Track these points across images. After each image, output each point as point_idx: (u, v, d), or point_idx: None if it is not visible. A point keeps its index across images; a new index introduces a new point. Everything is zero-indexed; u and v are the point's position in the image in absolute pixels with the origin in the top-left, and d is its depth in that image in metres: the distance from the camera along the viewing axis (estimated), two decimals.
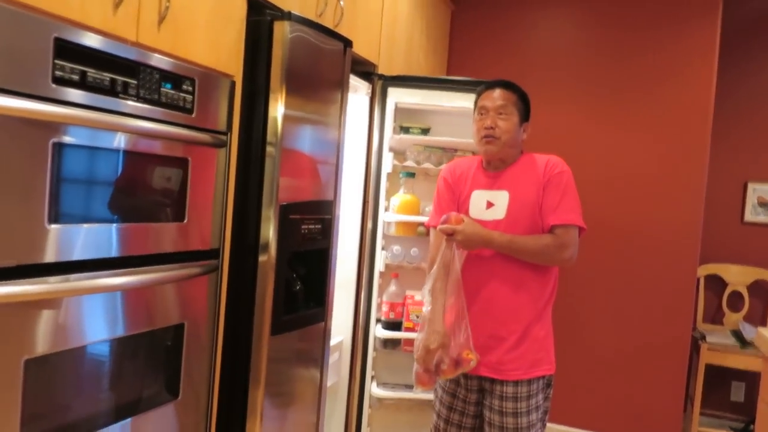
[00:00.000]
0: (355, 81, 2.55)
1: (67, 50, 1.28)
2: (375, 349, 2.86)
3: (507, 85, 2.01)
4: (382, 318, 2.90)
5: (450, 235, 1.88)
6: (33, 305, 1.27)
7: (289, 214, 1.96)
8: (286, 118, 1.91)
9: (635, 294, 3.30)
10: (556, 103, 3.43)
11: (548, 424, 2.08)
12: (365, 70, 2.75)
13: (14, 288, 1.22)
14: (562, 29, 3.52)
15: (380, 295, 2.90)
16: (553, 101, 3.42)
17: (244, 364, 1.89)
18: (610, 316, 3.33)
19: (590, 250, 3.27)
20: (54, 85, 1.27)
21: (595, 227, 3.27)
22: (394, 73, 2.86)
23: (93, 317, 1.43)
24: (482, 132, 1.97)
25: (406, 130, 2.95)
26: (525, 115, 2.02)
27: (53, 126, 1.27)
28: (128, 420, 1.54)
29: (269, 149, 1.90)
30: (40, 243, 1.28)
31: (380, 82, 2.81)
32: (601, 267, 3.34)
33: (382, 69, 2.83)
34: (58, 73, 1.27)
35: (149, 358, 1.63)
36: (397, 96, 2.84)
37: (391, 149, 2.87)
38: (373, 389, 2.86)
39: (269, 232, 1.91)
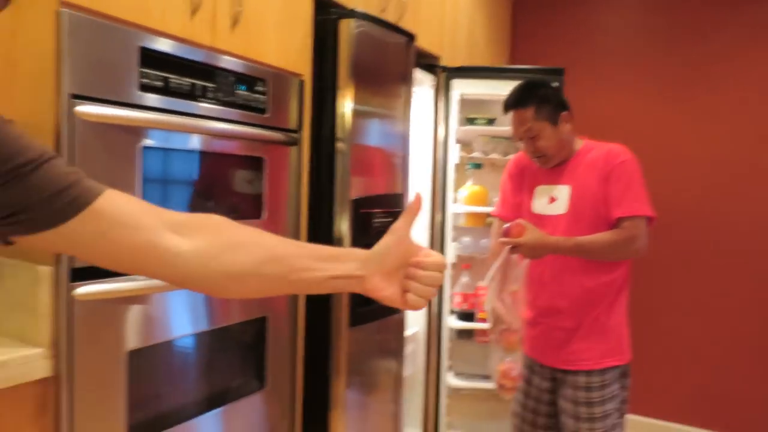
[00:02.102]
0: (419, 74, 2.57)
1: (151, 58, 1.36)
2: (449, 340, 2.87)
3: (518, 103, 1.92)
4: (456, 309, 2.90)
5: (514, 248, 1.83)
6: (131, 301, 1.35)
7: (360, 209, 2.00)
8: (355, 113, 1.94)
9: (724, 281, 3.15)
10: (626, 86, 3.32)
11: (629, 416, 2.02)
12: (429, 63, 2.75)
13: (116, 285, 1.30)
14: (629, 10, 3.41)
15: (453, 286, 2.90)
16: (622, 85, 3.32)
17: (325, 355, 1.94)
18: (696, 304, 3.20)
19: (671, 236, 3.15)
20: (140, 92, 1.35)
21: (685, 213, 3.17)
22: (458, 64, 2.86)
23: (183, 312, 1.50)
24: (529, 155, 1.96)
25: (471, 121, 2.93)
26: (555, 113, 1.90)
27: (141, 131, 1.35)
28: (220, 409, 1.62)
29: (339, 145, 1.94)
30: None
31: (444, 74, 2.81)
32: (686, 255, 3.21)
33: (446, 61, 2.82)
34: (144, 80, 1.35)
35: (236, 349, 1.70)
36: (461, 87, 2.83)
37: (457, 141, 2.87)
38: (450, 379, 2.86)
39: (342, 226, 1.95)
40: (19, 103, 1.25)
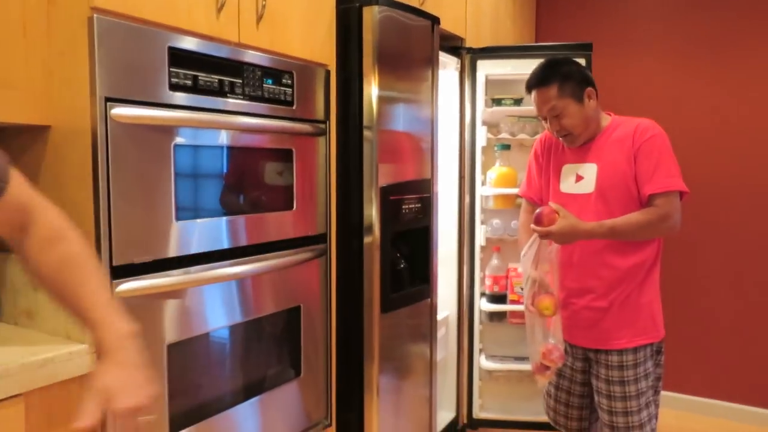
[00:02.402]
0: (444, 57, 2.55)
1: (179, 58, 1.38)
2: (481, 323, 2.88)
3: (540, 82, 1.88)
4: (487, 292, 2.90)
5: (545, 236, 1.81)
6: (169, 296, 1.39)
7: (389, 196, 2.01)
8: (381, 99, 1.94)
9: (758, 255, 3.09)
10: (656, 58, 3.24)
11: (663, 392, 2.02)
12: (453, 45, 2.73)
13: (154, 281, 1.34)
14: None
15: (483, 269, 2.90)
16: (652, 57, 3.24)
17: (358, 341, 1.98)
18: (730, 278, 3.15)
19: (705, 210, 3.09)
20: (171, 92, 1.37)
21: (718, 187, 3.10)
22: (482, 45, 2.82)
23: (218, 305, 1.54)
24: (555, 135, 1.93)
25: (498, 102, 2.90)
26: (579, 89, 1.85)
27: (173, 129, 1.38)
28: (257, 398, 1.66)
29: (366, 133, 1.95)
30: (170, 239, 1.39)
31: (469, 56, 2.78)
32: (719, 229, 3.15)
33: (470, 42, 2.79)
34: (173, 80, 1.37)
35: (271, 339, 1.74)
36: (486, 68, 2.80)
37: (484, 123, 2.85)
38: (482, 362, 2.88)
39: (372, 214, 1.96)
40: (57, 109, 1.28)
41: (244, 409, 1.62)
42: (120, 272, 1.28)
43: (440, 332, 2.68)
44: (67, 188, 1.28)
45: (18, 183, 0.97)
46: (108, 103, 1.24)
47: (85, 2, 1.21)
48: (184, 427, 1.44)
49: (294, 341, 1.79)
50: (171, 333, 1.40)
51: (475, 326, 2.85)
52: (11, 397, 1.12)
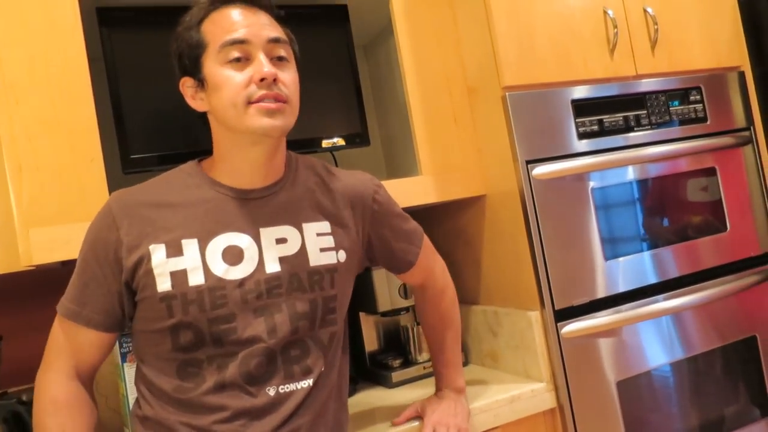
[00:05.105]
0: None
1: (582, 107, 1.46)
2: None
3: None
4: None
5: None
6: (606, 334, 1.43)
7: None
8: None
9: None
10: None
11: None
12: None
13: (591, 321, 1.41)
14: None
15: None
16: None
17: None
18: None
19: None
20: (579, 141, 1.45)
21: None
22: None
23: (657, 341, 1.50)
24: None
25: None
26: None
27: (588, 175, 1.45)
28: None
29: None
30: (601, 279, 1.44)
31: None
32: None
33: None
34: (580, 129, 1.45)
35: (724, 375, 1.59)
36: None
37: None
38: None
39: None
40: (488, 179, 1.50)
41: None
42: (563, 315, 1.39)
43: None
44: (505, 243, 1.47)
45: (425, 247, 1.24)
46: (528, 165, 1.38)
47: (497, 85, 1.41)
48: None
49: (753, 376, 1.61)
50: (617, 371, 1.43)
51: None
52: (489, 429, 1.32)
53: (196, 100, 1.02)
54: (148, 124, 1.28)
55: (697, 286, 1.54)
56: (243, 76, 0.95)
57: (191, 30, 1.00)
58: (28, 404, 1.23)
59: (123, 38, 1.27)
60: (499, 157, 1.44)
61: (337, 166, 1.50)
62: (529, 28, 1.43)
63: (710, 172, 1.61)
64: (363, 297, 1.57)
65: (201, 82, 0.99)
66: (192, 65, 0.99)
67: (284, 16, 1.05)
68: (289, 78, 1.00)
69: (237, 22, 0.97)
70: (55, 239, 1.11)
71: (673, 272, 1.53)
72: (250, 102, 0.95)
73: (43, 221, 1.12)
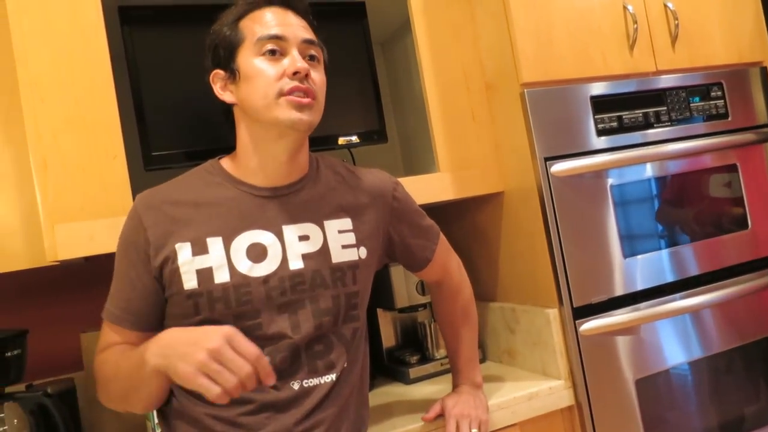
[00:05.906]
0: None
1: (602, 104, 1.45)
2: None
3: None
4: None
5: None
6: (624, 332, 1.43)
7: None
8: None
9: None
10: None
11: None
12: None
13: (609, 319, 1.40)
14: None
15: None
16: None
17: None
18: None
19: None
20: (598, 138, 1.44)
21: None
22: None
23: (676, 340, 1.49)
24: None
25: None
26: None
27: (607, 172, 1.44)
28: None
29: None
30: (620, 276, 1.43)
31: None
32: None
33: None
34: (600, 126, 1.44)
35: (744, 375, 1.58)
36: None
37: None
38: None
39: None
40: (506, 176, 1.50)
41: None
42: (581, 313, 1.39)
43: None
44: (523, 240, 1.47)
45: (441, 243, 1.25)
46: (547, 162, 1.38)
47: (515, 81, 1.40)
48: None
49: None
50: (636, 369, 1.42)
51: None
52: (507, 426, 1.32)
53: (225, 92, 1.04)
54: (169, 122, 1.29)
55: (716, 285, 1.53)
56: (276, 69, 0.98)
57: (229, 25, 1.03)
58: (54, 397, 1.25)
59: (144, 36, 1.28)
60: (518, 154, 1.44)
61: (354, 163, 1.51)
62: (547, 24, 1.42)
63: (731, 168, 1.59)
64: (381, 293, 1.58)
65: (233, 74, 1.02)
66: (226, 57, 1.02)
67: (316, 25, 1.07)
68: (318, 78, 1.03)
69: (275, 19, 1.01)
70: (80, 235, 1.13)
71: (693, 270, 1.52)
72: (281, 94, 0.97)
73: (68, 217, 1.14)
